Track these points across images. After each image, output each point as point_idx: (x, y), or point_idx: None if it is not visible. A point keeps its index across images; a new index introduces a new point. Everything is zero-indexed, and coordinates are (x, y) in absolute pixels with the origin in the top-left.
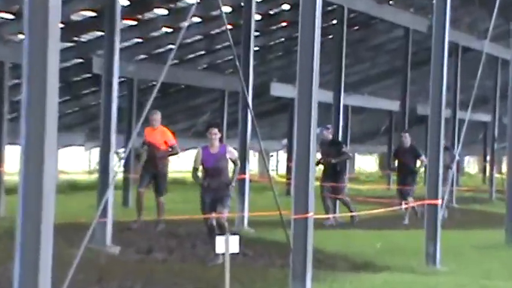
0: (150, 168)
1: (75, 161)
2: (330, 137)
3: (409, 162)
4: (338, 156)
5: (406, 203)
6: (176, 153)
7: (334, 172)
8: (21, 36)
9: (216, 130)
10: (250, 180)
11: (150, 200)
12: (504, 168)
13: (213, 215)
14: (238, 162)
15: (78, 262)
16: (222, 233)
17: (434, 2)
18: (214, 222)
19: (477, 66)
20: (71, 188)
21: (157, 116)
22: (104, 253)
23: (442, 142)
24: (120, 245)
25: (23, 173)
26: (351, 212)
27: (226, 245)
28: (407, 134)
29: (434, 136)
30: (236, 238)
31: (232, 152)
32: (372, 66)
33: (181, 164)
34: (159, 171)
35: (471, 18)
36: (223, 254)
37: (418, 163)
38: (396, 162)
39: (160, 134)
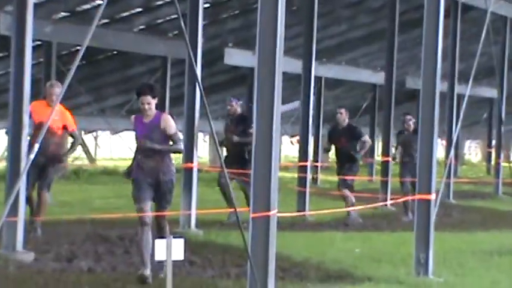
0: (40, 158)
1: None
2: (239, 110)
3: (346, 146)
4: (245, 135)
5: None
6: (76, 147)
7: (238, 155)
8: None
9: (149, 98)
10: (199, 170)
11: (70, 194)
12: None
13: (149, 210)
14: (178, 139)
15: None
16: (162, 235)
17: None
18: (150, 217)
19: (480, 29)
20: None
21: (58, 89)
22: (13, 261)
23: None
24: (34, 251)
25: None
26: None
27: (168, 250)
28: (343, 110)
29: (427, 115)
30: (180, 242)
31: (167, 121)
32: (350, 28)
33: (113, 151)
34: (50, 161)
35: None
36: (160, 263)
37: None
38: (333, 147)
39: (58, 115)
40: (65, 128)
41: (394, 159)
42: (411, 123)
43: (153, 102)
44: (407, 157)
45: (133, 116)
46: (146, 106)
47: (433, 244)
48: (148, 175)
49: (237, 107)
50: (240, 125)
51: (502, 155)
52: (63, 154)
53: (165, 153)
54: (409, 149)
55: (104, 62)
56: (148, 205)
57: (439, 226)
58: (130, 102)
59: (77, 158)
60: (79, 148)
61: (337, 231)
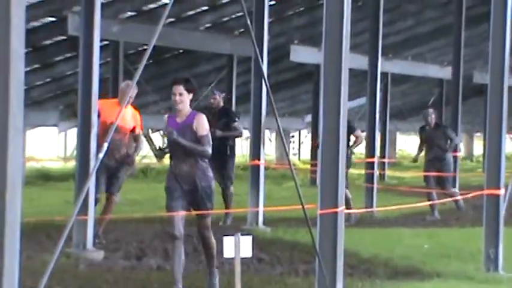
0: (112, 160)
1: (48, 145)
2: (222, 104)
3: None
4: (228, 129)
5: None
6: (141, 149)
7: (220, 151)
8: None
9: (181, 88)
10: (266, 168)
11: (139, 192)
12: None
13: (180, 222)
14: (207, 142)
15: (52, 270)
16: (209, 251)
17: None
18: (181, 230)
19: None
20: (42, 178)
21: (135, 91)
22: (84, 259)
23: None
24: (104, 249)
25: None
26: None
27: (237, 247)
28: None
29: (495, 110)
30: (249, 239)
31: (200, 121)
32: (417, 23)
33: None
34: (121, 163)
35: None
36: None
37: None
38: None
39: (130, 115)
40: (133, 129)
41: (415, 161)
42: (433, 117)
43: (186, 95)
44: (432, 154)
45: (166, 116)
46: (177, 97)
47: (502, 239)
48: (183, 181)
49: (220, 99)
50: (222, 118)
51: None
52: (132, 156)
53: (198, 157)
54: (433, 144)
55: (171, 60)
56: (181, 218)
57: (508, 221)
58: (196, 101)
59: (144, 157)
60: (146, 146)
61: (404, 227)
